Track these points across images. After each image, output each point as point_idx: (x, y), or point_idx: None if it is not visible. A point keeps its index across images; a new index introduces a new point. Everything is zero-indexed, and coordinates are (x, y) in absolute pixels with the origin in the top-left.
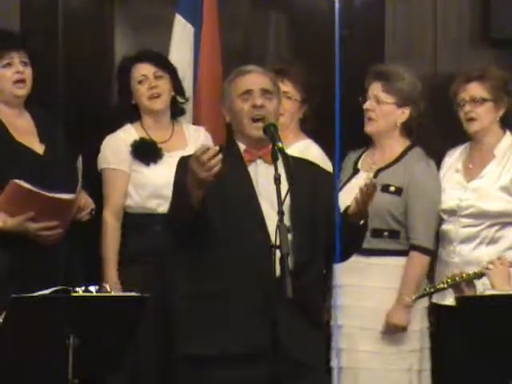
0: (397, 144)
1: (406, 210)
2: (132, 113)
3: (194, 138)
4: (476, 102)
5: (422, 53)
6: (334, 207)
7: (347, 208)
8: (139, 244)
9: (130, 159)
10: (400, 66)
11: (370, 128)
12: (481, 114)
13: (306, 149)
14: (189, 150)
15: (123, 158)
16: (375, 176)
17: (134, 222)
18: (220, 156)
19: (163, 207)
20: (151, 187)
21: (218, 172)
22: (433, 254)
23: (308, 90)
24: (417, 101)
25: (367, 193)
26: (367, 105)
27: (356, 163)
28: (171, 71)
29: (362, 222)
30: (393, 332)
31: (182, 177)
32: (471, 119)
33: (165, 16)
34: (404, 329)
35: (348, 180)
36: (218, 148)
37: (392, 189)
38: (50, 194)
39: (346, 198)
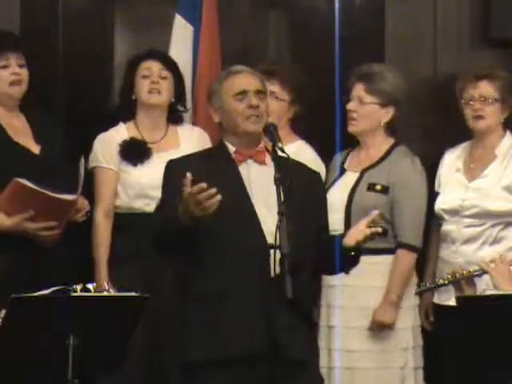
0: (381, 143)
1: (393, 208)
2: (128, 110)
3: (188, 138)
4: (486, 101)
5: (422, 53)
6: (323, 208)
7: (340, 235)
8: (128, 244)
9: (118, 159)
10: (384, 67)
11: (352, 128)
12: (489, 113)
13: (299, 150)
14: (181, 150)
15: (113, 158)
16: (361, 175)
17: (123, 222)
18: (218, 197)
19: (150, 207)
20: (138, 187)
21: (214, 210)
22: (420, 252)
23: (297, 91)
24: (400, 101)
25: (371, 237)
26: (350, 105)
27: (343, 164)
28: (176, 76)
29: (352, 253)
30: (379, 329)
31: (173, 189)
32: (479, 117)
33: (165, 16)
34: (390, 326)
35: (335, 180)
36: (215, 190)
37: (378, 187)
38: (53, 194)
39: (333, 198)
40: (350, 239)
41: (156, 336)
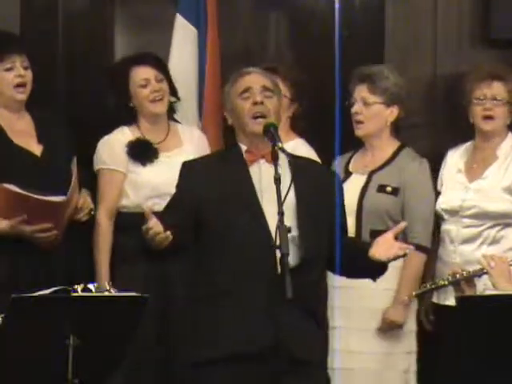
0: (387, 145)
1: (403, 209)
2: (130, 115)
3: (189, 138)
4: (498, 102)
5: (421, 53)
6: (335, 206)
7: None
8: (135, 243)
9: (126, 159)
10: (384, 67)
11: (360, 131)
12: (499, 115)
13: (296, 148)
14: (184, 149)
15: (119, 159)
16: (369, 178)
17: (130, 222)
18: (168, 234)
19: (159, 206)
20: (149, 187)
21: (170, 243)
22: (430, 252)
23: (297, 89)
24: (404, 100)
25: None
26: (355, 108)
27: (347, 166)
28: (168, 73)
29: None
30: (388, 329)
31: (184, 191)
32: (489, 117)
33: (165, 16)
34: (400, 326)
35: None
36: (169, 233)
37: (389, 189)
38: (40, 197)
39: None
40: (379, 252)
41: (166, 335)
